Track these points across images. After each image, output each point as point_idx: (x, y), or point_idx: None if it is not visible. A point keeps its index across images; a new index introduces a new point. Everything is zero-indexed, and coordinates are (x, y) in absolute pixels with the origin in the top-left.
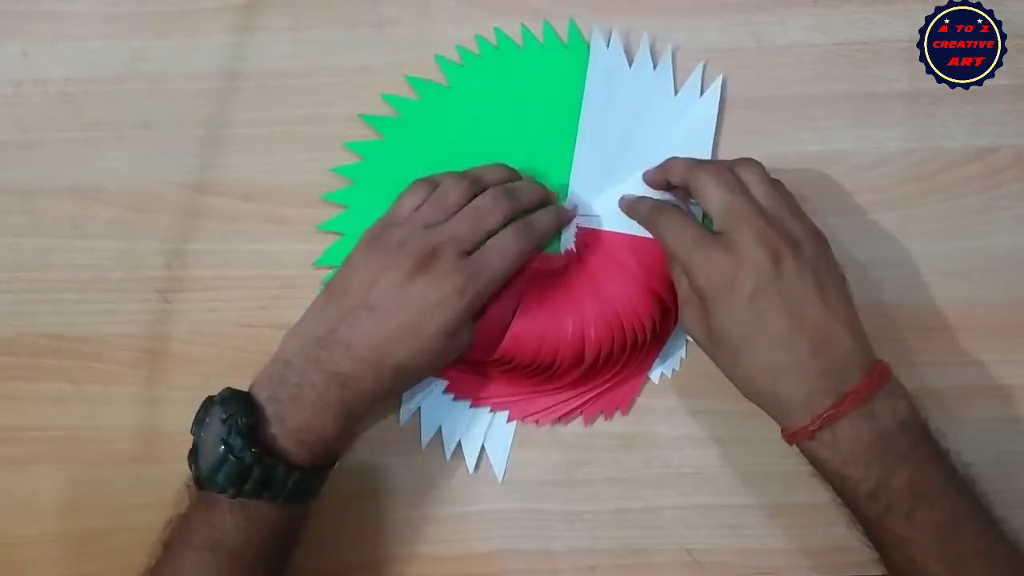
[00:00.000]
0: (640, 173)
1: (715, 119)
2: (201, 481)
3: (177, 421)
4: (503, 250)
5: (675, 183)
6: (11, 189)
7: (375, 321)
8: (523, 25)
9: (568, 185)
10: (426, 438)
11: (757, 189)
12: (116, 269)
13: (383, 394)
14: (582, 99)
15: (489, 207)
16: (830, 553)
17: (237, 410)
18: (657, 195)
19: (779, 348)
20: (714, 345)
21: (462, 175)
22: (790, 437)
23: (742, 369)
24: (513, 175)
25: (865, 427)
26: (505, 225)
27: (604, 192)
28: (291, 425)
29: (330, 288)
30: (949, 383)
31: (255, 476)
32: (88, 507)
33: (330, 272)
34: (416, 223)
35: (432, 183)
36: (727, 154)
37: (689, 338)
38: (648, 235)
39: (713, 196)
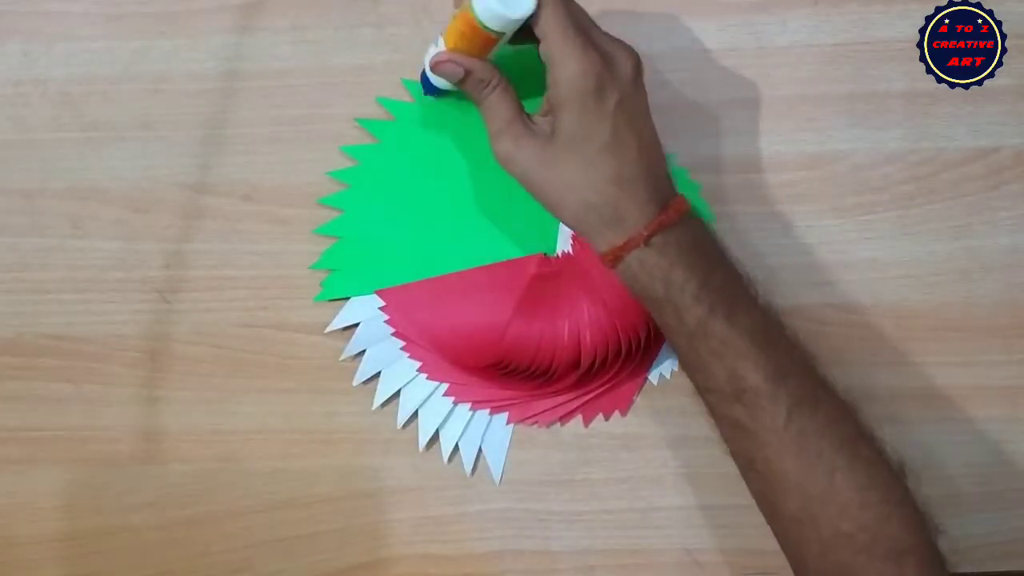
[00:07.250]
0: None
1: None
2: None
3: (177, 421)
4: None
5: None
6: (11, 189)
7: None
8: None
9: None
10: (424, 440)
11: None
12: (116, 269)
13: None
14: None
15: None
16: None
17: None
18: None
19: (633, 157)
20: (559, 151)
21: None
22: (621, 248)
23: (587, 179)
24: None
25: (687, 233)
26: None
27: None
28: None
29: None
30: (949, 383)
31: None
32: (88, 507)
33: (328, 275)
34: None
35: None
36: (736, 151)
37: None
38: None
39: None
